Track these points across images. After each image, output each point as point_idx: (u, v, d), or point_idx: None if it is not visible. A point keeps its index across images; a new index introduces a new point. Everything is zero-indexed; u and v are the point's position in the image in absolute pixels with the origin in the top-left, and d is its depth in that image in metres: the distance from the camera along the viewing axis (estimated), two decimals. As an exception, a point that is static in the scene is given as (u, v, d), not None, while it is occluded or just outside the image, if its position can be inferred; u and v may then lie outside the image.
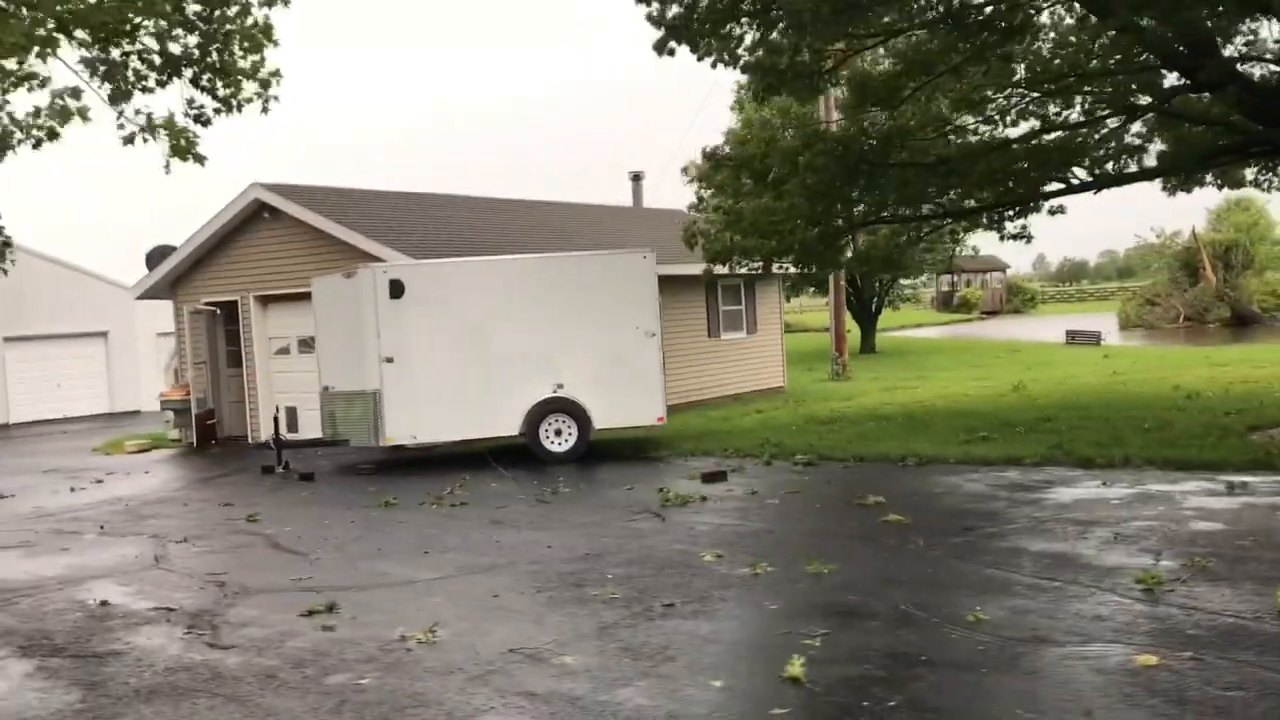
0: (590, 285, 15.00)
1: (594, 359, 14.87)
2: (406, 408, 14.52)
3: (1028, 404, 17.47)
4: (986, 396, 19.34)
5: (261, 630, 7.02)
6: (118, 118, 15.38)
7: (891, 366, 30.46)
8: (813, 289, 35.24)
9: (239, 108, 15.52)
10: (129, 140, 15.52)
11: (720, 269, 16.44)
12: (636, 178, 28.11)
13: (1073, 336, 36.84)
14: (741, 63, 15.32)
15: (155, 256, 21.23)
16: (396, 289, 14.55)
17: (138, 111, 15.54)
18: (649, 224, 24.81)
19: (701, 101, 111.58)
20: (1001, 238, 17.51)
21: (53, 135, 14.85)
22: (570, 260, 15.72)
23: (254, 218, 19.28)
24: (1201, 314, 48.64)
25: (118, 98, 14.93)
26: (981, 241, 39.25)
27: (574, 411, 14.79)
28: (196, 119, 15.64)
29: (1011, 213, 16.07)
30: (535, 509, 11.17)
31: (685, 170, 35.54)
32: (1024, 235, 17.28)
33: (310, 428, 17.54)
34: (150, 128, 14.99)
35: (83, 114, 14.77)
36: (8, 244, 8.42)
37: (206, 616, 7.47)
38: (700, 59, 16.06)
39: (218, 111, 15.70)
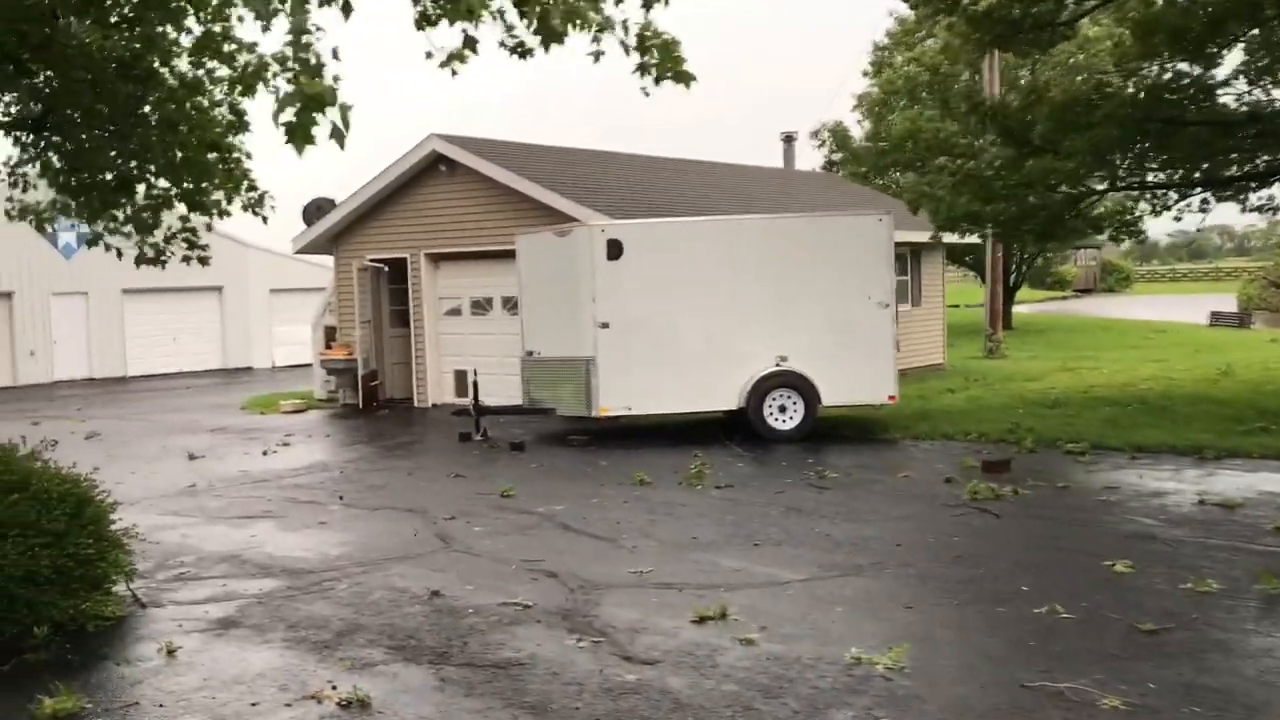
0: (819, 249, 13.84)
1: (821, 330, 13.76)
2: (621, 377, 13.57)
3: (1255, 390, 15.95)
4: (1198, 380, 17.84)
5: (666, 640, 5.92)
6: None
7: (1043, 345, 28.96)
8: (967, 258, 33.59)
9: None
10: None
11: (948, 236, 15.12)
12: (789, 139, 26.86)
13: (1217, 318, 34.98)
14: (967, 13, 14.04)
15: (312, 210, 20.32)
16: (614, 249, 13.52)
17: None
18: (816, 187, 23.86)
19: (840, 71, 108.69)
20: (1243, 209, 16.01)
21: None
22: (799, 222, 14.60)
23: (428, 171, 18.31)
24: (1334, 297, 46.23)
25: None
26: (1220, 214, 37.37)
27: (800, 387, 13.68)
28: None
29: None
30: (823, 496, 10.05)
31: (820, 134, 34.19)
32: (1273, 206, 15.76)
33: (484, 393, 16.41)
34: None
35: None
36: (265, 193, 7.73)
37: (579, 617, 6.38)
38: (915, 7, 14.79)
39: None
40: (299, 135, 4.43)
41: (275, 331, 31.35)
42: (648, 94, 5.89)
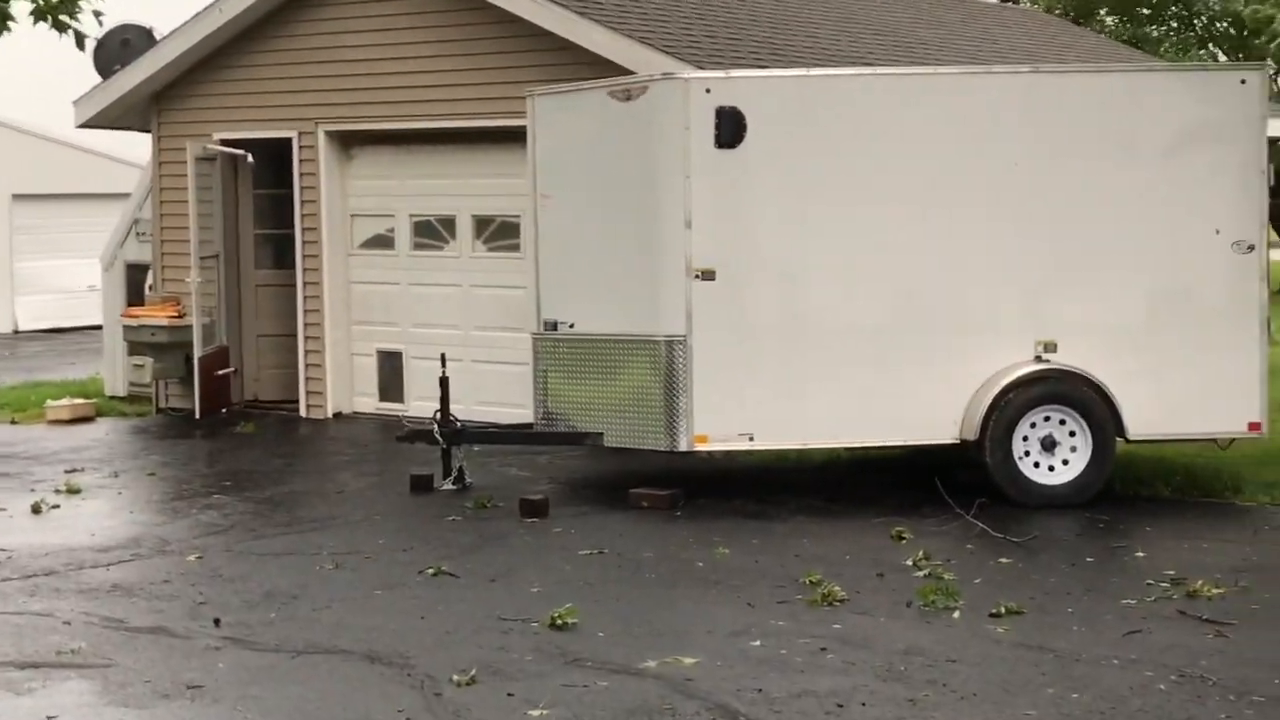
0: (1125, 136, 12.58)
1: (1124, 295, 12.53)
2: (737, 377, 12.35)
3: None
4: None
5: None
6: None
7: None
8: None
9: None
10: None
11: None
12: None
13: None
14: None
15: (114, 48, 18.75)
16: (730, 126, 12.16)
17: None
18: (1025, 28, 24.28)
19: None
20: None
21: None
22: (1090, 83, 13.49)
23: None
24: None
25: None
26: None
27: (1086, 404, 12.33)
28: None
29: None
30: (1227, 645, 8.43)
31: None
32: None
33: (425, 392, 15.67)
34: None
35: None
36: None
37: None
38: None
39: None
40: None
41: (20, 271, 30.25)
42: None
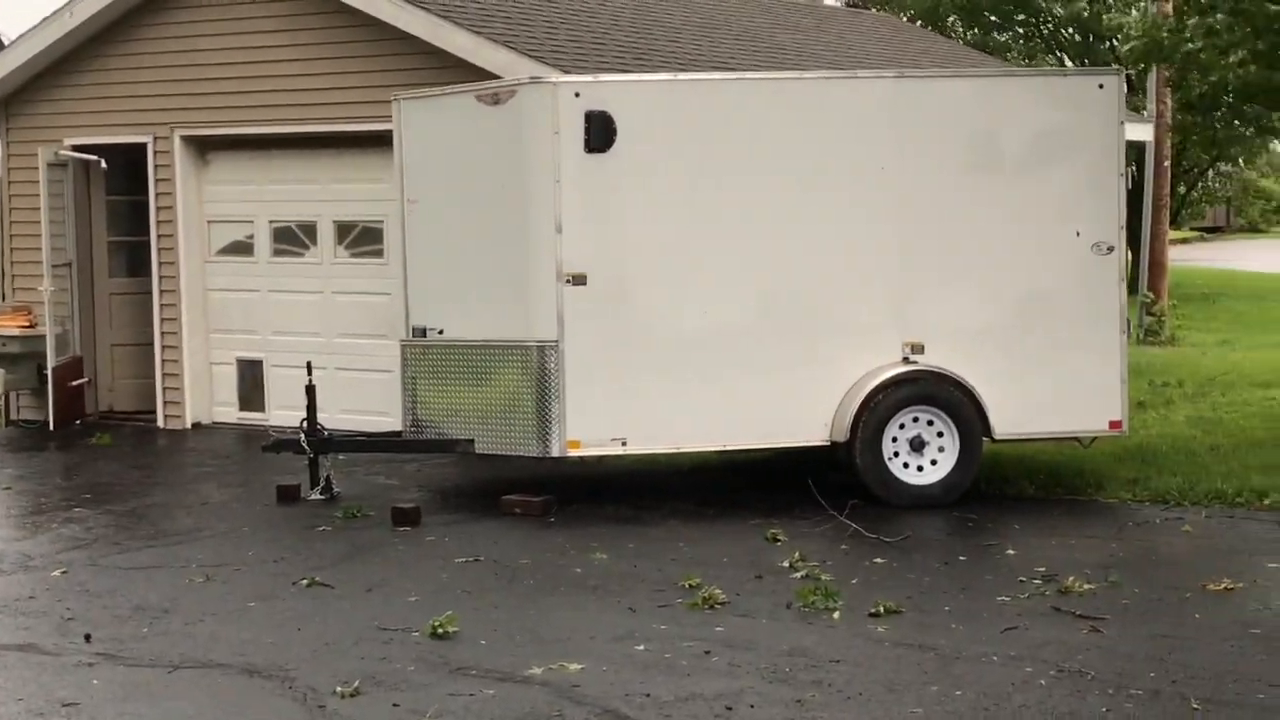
0: (986, 141, 12.71)
1: (988, 297, 12.60)
2: (609, 381, 12.17)
3: None
4: None
5: None
6: None
7: (1230, 322, 29.02)
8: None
9: None
10: None
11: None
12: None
13: None
14: None
15: None
16: (599, 130, 11.98)
17: None
18: (881, 34, 24.41)
19: None
20: None
21: None
22: (953, 88, 13.50)
23: (194, -21, 16.41)
24: None
25: None
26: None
27: (953, 405, 12.33)
28: None
29: None
30: (1104, 640, 8.45)
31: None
32: None
33: (285, 401, 15.57)
34: None
35: None
36: None
37: None
38: None
39: None
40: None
41: None
42: None
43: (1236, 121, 23.09)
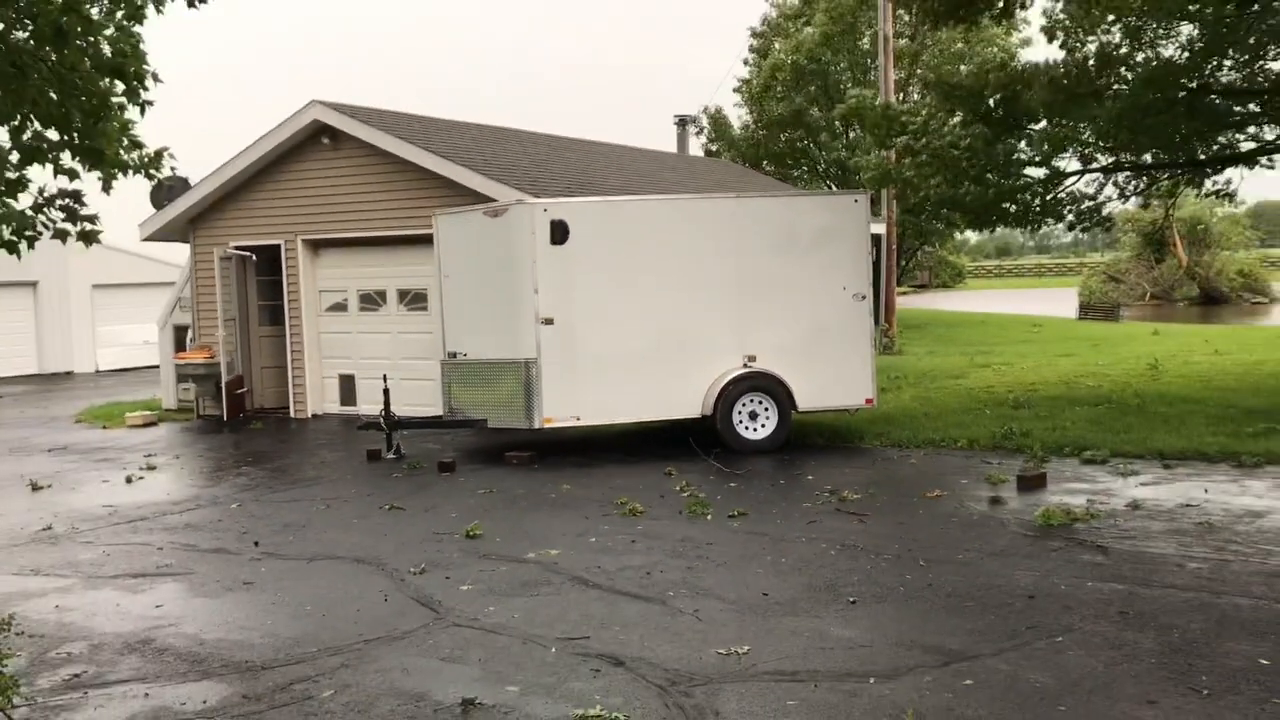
0: (790, 234, 12.47)
1: (793, 326, 12.39)
2: (568, 382, 11.89)
3: (1209, 385, 15.32)
4: (1133, 376, 17.11)
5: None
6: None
7: (932, 340, 28.35)
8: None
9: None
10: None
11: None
12: (683, 122, 25.68)
13: (1085, 313, 35.56)
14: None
15: (163, 192, 17.63)
16: (559, 232, 11.80)
17: None
18: (718, 172, 23.19)
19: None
20: (1200, 195, 15.35)
21: None
22: (770, 203, 13.11)
23: (308, 144, 16.05)
24: (1169, 291, 48.14)
25: None
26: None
27: (773, 390, 12.23)
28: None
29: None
30: (868, 527, 8.53)
31: (699, 121, 33.06)
32: (1228, 193, 15.07)
33: (369, 400, 15.45)
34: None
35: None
36: (165, 150, 5.81)
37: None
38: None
39: None
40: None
41: (100, 332, 28.07)
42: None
43: (935, 221, 23.34)
